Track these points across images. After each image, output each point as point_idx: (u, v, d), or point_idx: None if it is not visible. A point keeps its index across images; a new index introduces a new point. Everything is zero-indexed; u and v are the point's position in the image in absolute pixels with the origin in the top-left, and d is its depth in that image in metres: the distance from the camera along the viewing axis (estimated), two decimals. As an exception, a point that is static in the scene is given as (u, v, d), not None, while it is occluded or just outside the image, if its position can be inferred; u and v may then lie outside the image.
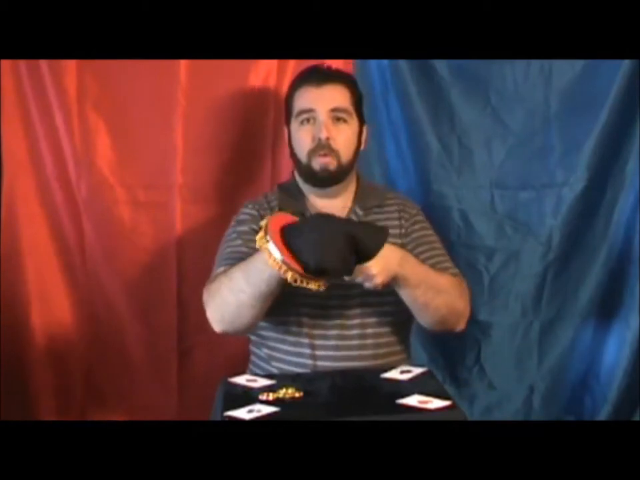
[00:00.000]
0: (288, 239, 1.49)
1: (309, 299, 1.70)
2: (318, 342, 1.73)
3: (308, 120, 1.77)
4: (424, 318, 1.74)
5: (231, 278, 1.63)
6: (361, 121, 1.83)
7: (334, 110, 1.76)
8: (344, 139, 1.77)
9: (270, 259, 1.47)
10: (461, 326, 1.78)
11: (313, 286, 1.50)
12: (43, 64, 2.07)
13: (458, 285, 1.76)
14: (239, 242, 1.77)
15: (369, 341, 1.75)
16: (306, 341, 1.74)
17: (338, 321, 1.74)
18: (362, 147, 1.84)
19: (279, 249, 1.47)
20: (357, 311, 1.75)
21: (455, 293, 1.74)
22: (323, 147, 1.75)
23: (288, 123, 1.83)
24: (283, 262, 1.46)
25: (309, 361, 1.73)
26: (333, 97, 1.77)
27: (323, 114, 1.75)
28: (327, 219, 1.53)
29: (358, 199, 1.82)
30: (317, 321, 1.74)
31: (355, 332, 1.74)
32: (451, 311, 1.73)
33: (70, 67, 2.08)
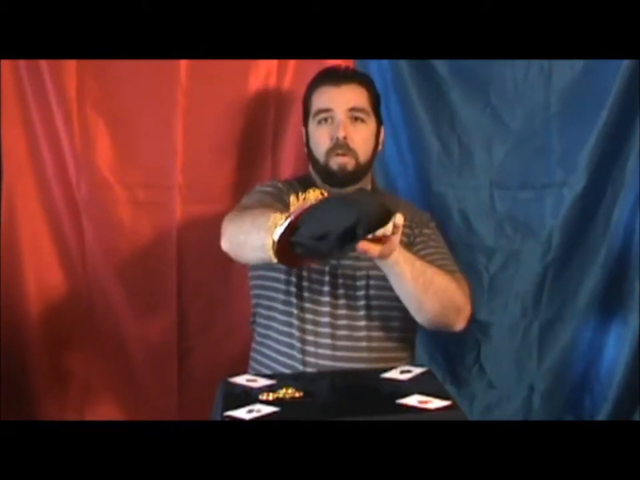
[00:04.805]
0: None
1: (313, 308, 1.72)
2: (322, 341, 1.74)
3: (326, 120, 1.77)
4: (421, 310, 1.65)
5: (253, 215, 1.55)
6: (379, 122, 1.83)
7: (352, 109, 1.76)
8: (362, 138, 1.77)
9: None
10: (460, 324, 1.72)
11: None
12: (43, 64, 2.07)
13: (456, 279, 1.70)
14: (268, 187, 1.80)
15: (374, 344, 1.75)
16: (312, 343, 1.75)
17: (345, 322, 1.75)
18: (379, 147, 1.85)
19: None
20: (363, 313, 1.75)
21: (452, 285, 1.67)
22: (340, 146, 1.74)
23: (305, 123, 1.84)
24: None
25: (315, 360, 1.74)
26: (351, 96, 1.78)
27: (340, 113, 1.75)
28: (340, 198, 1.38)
29: None
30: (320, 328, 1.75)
31: (362, 334, 1.75)
32: (449, 304, 1.66)
33: (70, 67, 2.07)
